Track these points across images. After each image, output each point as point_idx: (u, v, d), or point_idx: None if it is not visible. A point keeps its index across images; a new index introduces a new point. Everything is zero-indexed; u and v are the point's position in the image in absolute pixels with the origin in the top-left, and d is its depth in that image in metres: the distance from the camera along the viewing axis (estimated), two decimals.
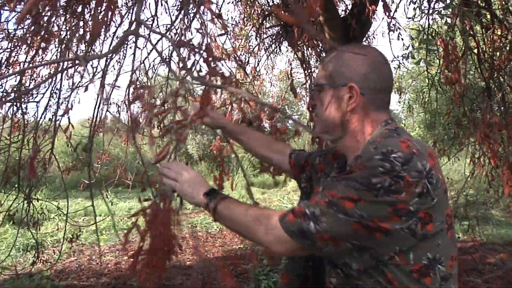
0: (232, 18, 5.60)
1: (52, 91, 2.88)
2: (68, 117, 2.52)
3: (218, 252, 5.30)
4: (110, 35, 2.95)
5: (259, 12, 4.82)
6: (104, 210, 7.53)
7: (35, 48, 2.73)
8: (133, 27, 0.77)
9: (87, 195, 8.41)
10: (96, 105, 2.27)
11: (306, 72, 4.24)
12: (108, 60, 2.25)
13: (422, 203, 0.90)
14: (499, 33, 2.83)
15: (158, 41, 2.28)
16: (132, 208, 7.65)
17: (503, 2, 2.85)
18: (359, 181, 0.91)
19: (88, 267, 4.68)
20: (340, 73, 1.08)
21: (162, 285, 4.02)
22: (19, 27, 2.58)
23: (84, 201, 7.85)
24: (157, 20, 2.50)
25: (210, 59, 0.84)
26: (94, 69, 2.83)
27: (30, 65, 2.78)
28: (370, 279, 0.96)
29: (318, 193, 1.01)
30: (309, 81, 4.22)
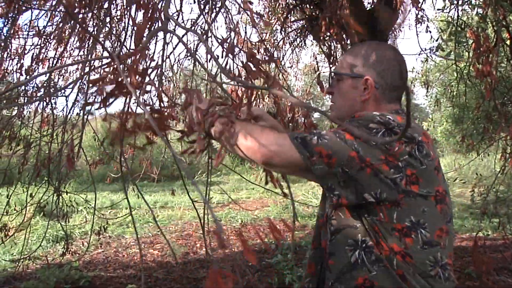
0: (256, 12, 5.57)
1: (80, 86, 2.94)
2: (89, 111, 2.57)
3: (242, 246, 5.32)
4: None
5: (283, 5, 4.78)
6: (131, 203, 7.65)
7: (63, 44, 2.79)
8: (160, 23, 0.77)
9: (114, 188, 8.57)
10: (126, 99, 2.29)
11: (331, 65, 4.19)
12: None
13: (411, 163, 1.01)
14: None
15: (183, 35, 2.28)
16: (157, 201, 7.75)
17: None
18: (360, 122, 1.04)
19: (114, 258, 4.77)
20: (359, 65, 1.19)
21: (186, 277, 4.07)
22: (49, 24, 2.64)
23: (111, 194, 8.00)
24: (182, 15, 2.51)
25: (251, 61, 0.84)
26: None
27: (59, 61, 2.84)
28: (362, 223, 1.06)
29: None
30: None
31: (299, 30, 4.71)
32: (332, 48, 4.13)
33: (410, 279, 1.01)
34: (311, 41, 5.50)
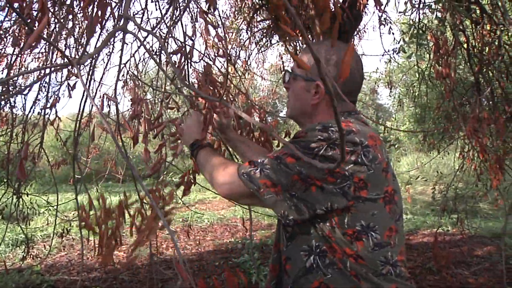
0: (223, 11, 5.57)
1: (40, 85, 2.85)
2: (56, 111, 2.51)
3: (209, 245, 5.31)
4: (98, 29, 2.92)
5: (250, 5, 4.79)
6: (95, 205, 7.48)
7: (23, 41, 2.69)
8: (121, 22, 0.76)
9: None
10: (82, 99, 2.24)
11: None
12: (96, 56, 2.22)
13: (357, 170, 1.02)
14: (488, 28, 2.84)
15: (146, 37, 2.25)
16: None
17: None
18: (301, 144, 1.05)
19: (78, 261, 4.65)
20: (312, 69, 1.17)
21: (151, 279, 4.02)
22: (6, 19, 2.54)
23: (74, 196, 7.76)
24: (147, 13, 2.48)
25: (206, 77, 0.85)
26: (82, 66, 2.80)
27: (19, 59, 2.74)
28: (315, 229, 1.08)
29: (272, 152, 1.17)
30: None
31: (265, 30, 4.73)
32: (298, 47, 4.17)
33: (363, 278, 1.04)
34: (277, 41, 5.53)
